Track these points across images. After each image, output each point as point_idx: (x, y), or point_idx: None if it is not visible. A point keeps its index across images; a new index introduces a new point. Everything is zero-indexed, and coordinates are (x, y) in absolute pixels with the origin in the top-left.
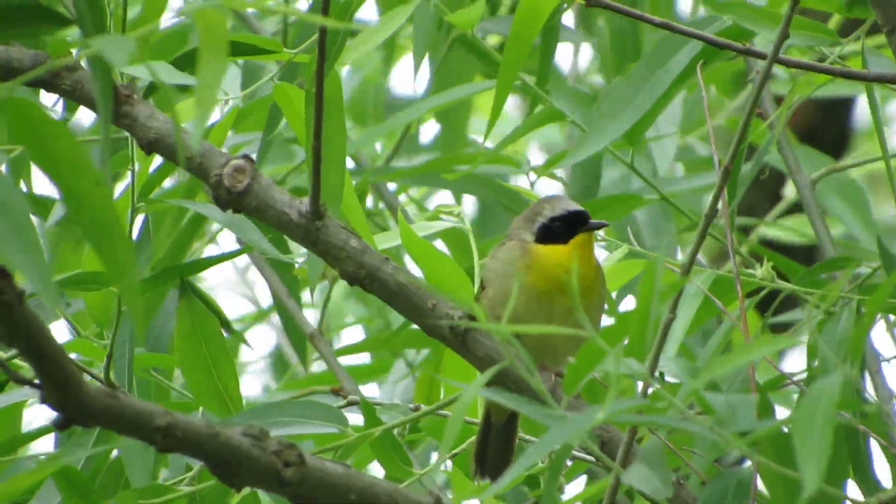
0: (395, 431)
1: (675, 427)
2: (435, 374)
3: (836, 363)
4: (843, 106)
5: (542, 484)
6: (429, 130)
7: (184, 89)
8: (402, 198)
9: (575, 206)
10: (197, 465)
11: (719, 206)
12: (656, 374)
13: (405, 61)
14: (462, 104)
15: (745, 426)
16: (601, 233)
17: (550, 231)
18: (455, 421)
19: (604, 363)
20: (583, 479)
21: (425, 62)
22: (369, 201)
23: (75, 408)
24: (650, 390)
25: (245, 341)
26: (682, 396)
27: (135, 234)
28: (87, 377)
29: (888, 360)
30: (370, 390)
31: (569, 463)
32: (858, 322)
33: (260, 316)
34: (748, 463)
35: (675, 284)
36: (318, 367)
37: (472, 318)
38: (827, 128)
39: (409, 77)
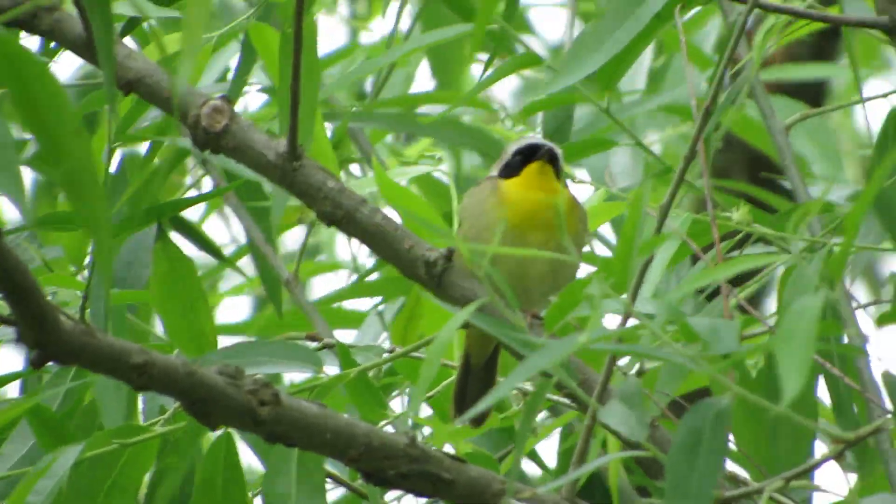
0: (371, 375)
1: (655, 357)
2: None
3: (817, 284)
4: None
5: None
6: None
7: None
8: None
9: (535, 140)
10: (171, 407)
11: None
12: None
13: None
14: (454, 60)
15: (730, 349)
16: (587, 177)
17: (510, 166)
18: (431, 359)
19: (587, 289)
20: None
21: (407, 11)
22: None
23: (52, 345)
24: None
25: (236, 268)
26: (659, 321)
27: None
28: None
29: (863, 307)
30: (346, 337)
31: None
32: (832, 259)
33: (240, 254)
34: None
35: (653, 241)
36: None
37: (450, 258)
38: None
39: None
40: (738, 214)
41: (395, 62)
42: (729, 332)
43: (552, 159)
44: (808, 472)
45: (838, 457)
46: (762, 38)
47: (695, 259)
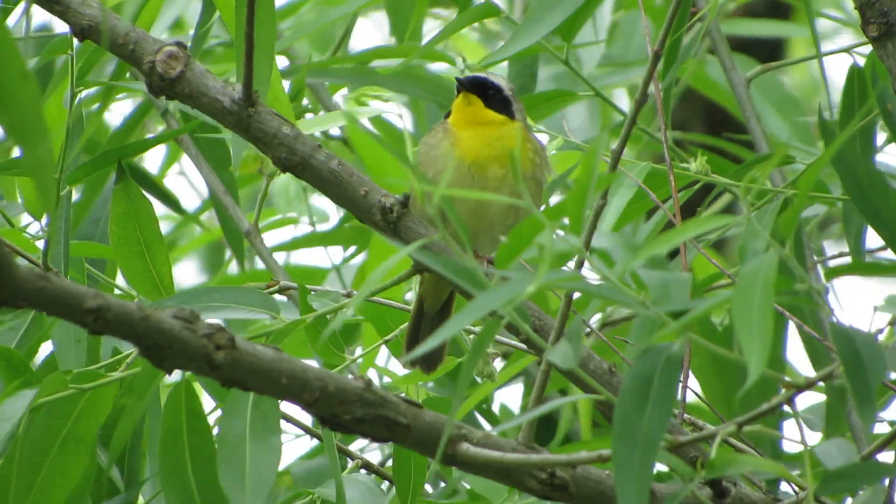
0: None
1: (608, 298)
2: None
3: (770, 241)
4: None
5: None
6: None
7: None
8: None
9: (468, 75)
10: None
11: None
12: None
13: None
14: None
15: (679, 305)
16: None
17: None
18: (371, 281)
19: (538, 238)
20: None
21: None
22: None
23: (6, 289)
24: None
25: (198, 220)
26: (616, 271)
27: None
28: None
29: (822, 261)
30: None
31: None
32: (788, 209)
33: (205, 208)
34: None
35: (608, 178)
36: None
37: (405, 204)
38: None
39: None
40: (696, 164)
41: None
42: (679, 287)
43: (477, 87)
44: (761, 417)
45: (790, 402)
46: None
47: (650, 214)
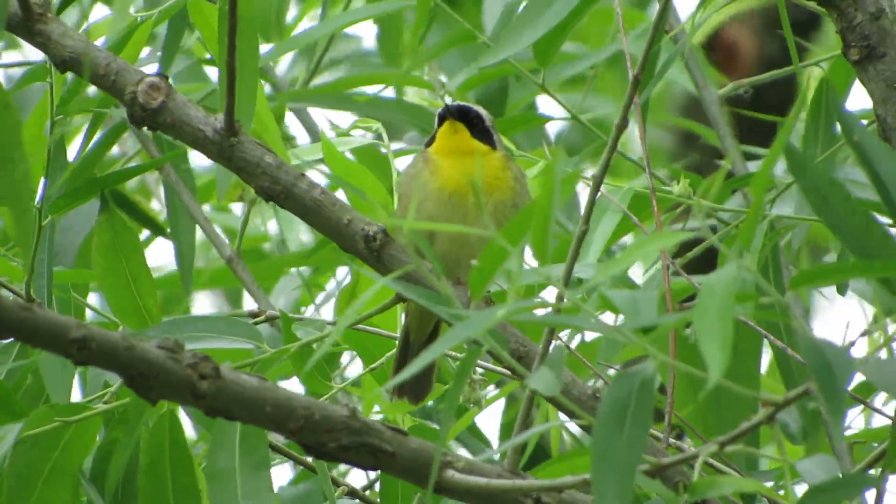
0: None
1: (578, 326)
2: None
3: (731, 256)
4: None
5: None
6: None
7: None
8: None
9: (451, 104)
10: (115, 384)
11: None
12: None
13: None
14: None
15: (648, 322)
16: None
17: (434, 134)
18: (352, 311)
19: (506, 263)
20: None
21: None
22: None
23: None
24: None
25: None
26: (592, 303)
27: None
28: (7, 293)
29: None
30: None
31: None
32: (742, 229)
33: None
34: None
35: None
36: None
37: (388, 233)
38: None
39: None
40: (679, 187)
41: (334, 34)
42: (647, 304)
43: (462, 116)
44: (742, 437)
45: (770, 420)
46: (697, 8)
47: None
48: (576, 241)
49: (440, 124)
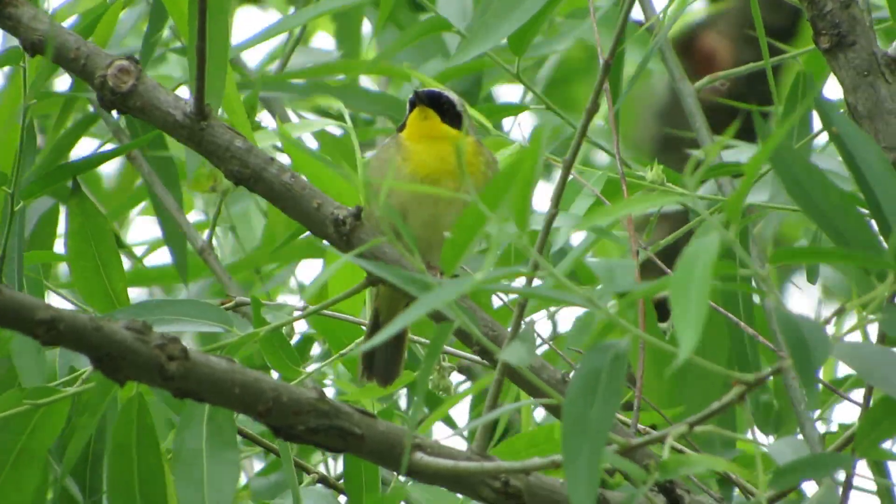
0: (285, 332)
1: (552, 298)
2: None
3: (714, 224)
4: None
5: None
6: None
7: None
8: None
9: (422, 90)
10: (85, 368)
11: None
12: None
13: None
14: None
15: (624, 287)
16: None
17: (406, 120)
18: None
19: (483, 229)
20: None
21: None
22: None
23: None
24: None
25: (140, 261)
26: (564, 265)
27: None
28: None
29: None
30: None
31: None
32: (730, 202)
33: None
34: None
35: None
36: None
37: (358, 216)
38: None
39: None
40: (651, 174)
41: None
42: (625, 271)
43: (433, 102)
44: (711, 417)
45: (741, 400)
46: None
47: None
48: (546, 220)
49: (411, 110)
